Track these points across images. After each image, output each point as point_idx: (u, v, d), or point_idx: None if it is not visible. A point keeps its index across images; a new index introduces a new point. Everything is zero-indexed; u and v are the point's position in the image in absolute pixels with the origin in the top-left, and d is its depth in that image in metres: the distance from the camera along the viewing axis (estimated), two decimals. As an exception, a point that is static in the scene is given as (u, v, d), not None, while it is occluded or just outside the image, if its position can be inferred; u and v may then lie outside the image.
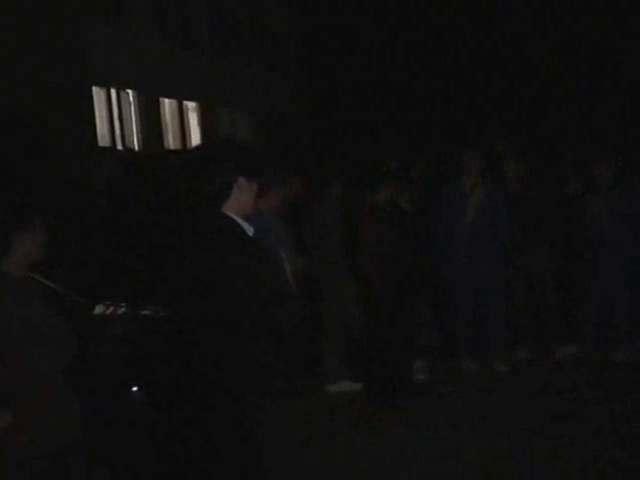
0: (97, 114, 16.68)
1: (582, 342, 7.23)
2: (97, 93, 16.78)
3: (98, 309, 4.78)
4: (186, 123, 20.67)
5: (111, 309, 4.82)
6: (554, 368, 7.04)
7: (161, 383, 3.26)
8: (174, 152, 18.40)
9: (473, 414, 6.04)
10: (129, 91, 17.97)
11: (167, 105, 19.79)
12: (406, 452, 5.41)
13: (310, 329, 6.39)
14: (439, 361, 7.30)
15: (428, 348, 7.35)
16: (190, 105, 20.83)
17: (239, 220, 3.20)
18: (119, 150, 16.95)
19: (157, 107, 19.17)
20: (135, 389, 3.05)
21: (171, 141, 19.89)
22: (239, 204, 3.22)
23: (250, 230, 3.22)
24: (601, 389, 6.38)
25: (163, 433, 3.02)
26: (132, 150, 16.50)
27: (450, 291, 7.24)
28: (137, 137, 18.21)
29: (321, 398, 6.56)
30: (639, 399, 6.06)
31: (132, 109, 18.15)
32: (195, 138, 20.80)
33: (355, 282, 6.64)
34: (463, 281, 7.08)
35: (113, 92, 17.33)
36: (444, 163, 8.42)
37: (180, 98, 20.08)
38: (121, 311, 4.90)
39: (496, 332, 7.17)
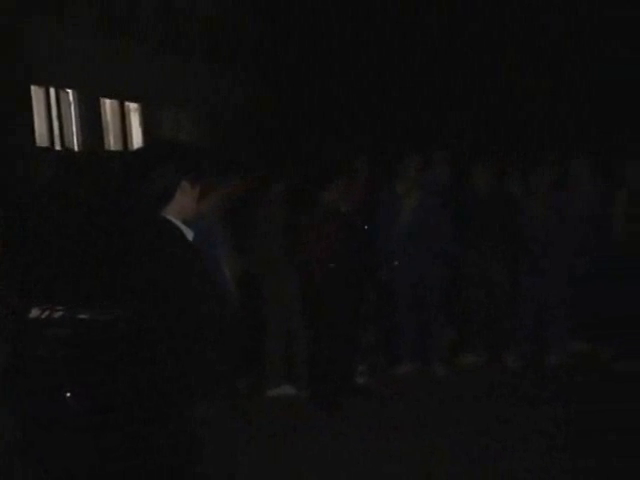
0: (35, 114, 16.38)
1: (520, 345, 7.32)
2: (35, 92, 16.48)
3: (34, 312, 4.68)
4: (128, 123, 20.43)
5: (48, 312, 4.73)
6: (496, 371, 7.13)
7: (98, 387, 3.21)
8: (115, 153, 18.19)
9: (415, 416, 6.08)
10: (69, 91, 17.70)
11: (108, 105, 19.54)
12: (347, 454, 5.43)
13: (250, 330, 6.37)
14: (380, 363, 7.35)
15: (369, 350, 7.39)
16: (132, 105, 20.61)
17: (179, 224, 3.17)
18: (58, 150, 16.67)
19: (98, 107, 18.92)
20: (69, 395, 3.00)
21: (112, 142, 19.64)
22: (181, 207, 3.19)
23: (190, 234, 3.19)
24: (542, 392, 6.48)
25: (98, 438, 2.99)
26: (71, 150, 16.26)
27: (390, 293, 7.29)
28: (77, 138, 17.94)
29: (261, 401, 6.54)
30: (578, 402, 6.18)
31: (72, 109, 17.88)
32: (137, 139, 20.58)
33: (297, 282, 6.63)
34: (401, 283, 7.14)
35: (52, 91, 17.05)
36: (384, 165, 8.47)
37: (122, 98, 19.85)
38: (58, 314, 4.81)
39: (436, 334, 7.24)
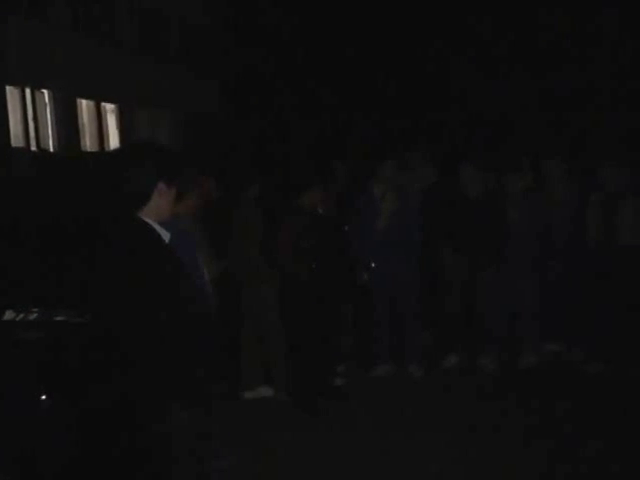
0: (11, 114, 16.24)
1: (493, 347, 7.33)
2: (11, 92, 16.34)
3: (8, 314, 4.65)
4: (104, 124, 20.32)
5: (22, 314, 4.70)
6: (470, 373, 7.15)
7: (73, 389, 3.19)
8: (91, 154, 18.09)
9: (389, 419, 6.10)
10: (44, 91, 17.57)
11: (84, 106, 19.42)
12: (325, 455, 5.44)
13: (227, 333, 6.35)
14: (357, 365, 7.36)
15: (346, 352, 7.40)
16: (108, 106, 20.49)
17: (156, 226, 3.17)
18: (33, 151, 16.55)
19: (74, 108, 18.79)
20: (44, 397, 2.98)
21: (88, 143, 19.52)
22: (157, 209, 3.19)
23: (166, 236, 3.19)
24: (515, 395, 6.51)
25: (73, 440, 2.97)
26: (46, 151, 16.15)
27: (367, 295, 7.30)
28: (53, 138, 17.80)
29: (239, 403, 6.52)
30: (551, 404, 6.22)
31: (48, 110, 17.74)
32: (113, 140, 20.47)
33: (274, 284, 6.62)
34: (378, 285, 7.15)
35: (28, 92, 16.91)
36: (361, 168, 8.48)
37: (98, 99, 19.73)
38: (33, 317, 4.78)
39: (413, 336, 7.26)
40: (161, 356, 3.01)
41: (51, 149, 17.43)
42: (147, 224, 3.14)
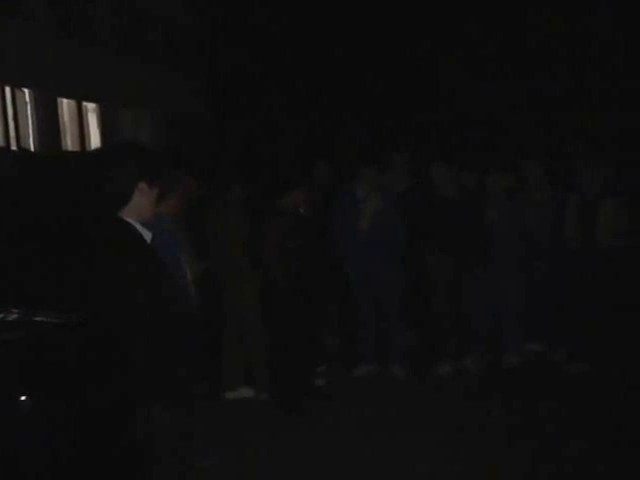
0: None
1: (478, 348, 7.36)
2: (-9, 91, 16.25)
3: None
4: (85, 124, 20.21)
5: (2, 315, 4.66)
6: (457, 374, 7.16)
7: (53, 390, 3.17)
8: (72, 154, 17.98)
9: (373, 419, 6.10)
10: (25, 90, 17.45)
11: (65, 105, 19.31)
12: (307, 456, 5.43)
13: (209, 333, 6.34)
14: (341, 365, 7.36)
15: (330, 352, 7.40)
16: (90, 106, 20.39)
17: (137, 226, 3.15)
18: (13, 150, 16.42)
19: (55, 107, 18.68)
20: (24, 398, 2.95)
21: (69, 142, 19.41)
22: (139, 209, 3.17)
23: (148, 236, 3.17)
24: (499, 395, 6.54)
25: (53, 440, 2.96)
26: (27, 150, 16.02)
27: (350, 295, 7.30)
28: (33, 138, 17.69)
29: (220, 404, 6.51)
30: (535, 404, 6.24)
31: (28, 109, 17.63)
32: (95, 139, 20.37)
33: (256, 284, 6.61)
34: (362, 285, 7.16)
35: (8, 90, 16.78)
36: (345, 169, 8.49)
37: (79, 98, 19.63)
38: (13, 317, 4.74)
39: (396, 337, 7.25)
40: (143, 356, 3.00)
41: (32, 149, 17.31)
42: (129, 224, 3.13)
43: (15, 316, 4.70)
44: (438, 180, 7.33)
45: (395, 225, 7.11)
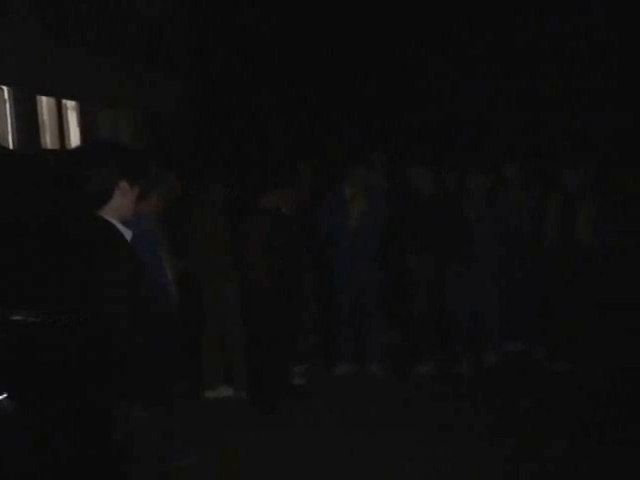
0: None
1: (460, 347, 7.36)
2: (-31, 89, 16.12)
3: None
4: (65, 122, 20.09)
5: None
6: (435, 372, 7.18)
7: (33, 389, 3.17)
8: (52, 152, 17.88)
9: (352, 418, 6.11)
10: (4, 87, 17.33)
11: (45, 103, 19.18)
12: (285, 455, 5.43)
13: (188, 333, 6.33)
14: (319, 364, 7.37)
15: (307, 352, 7.41)
16: (70, 104, 20.27)
17: (118, 225, 3.15)
18: (-8, 148, 16.29)
19: (34, 105, 18.55)
20: (3, 396, 2.95)
21: (49, 140, 19.29)
22: (119, 208, 3.17)
23: (128, 235, 3.17)
24: (479, 394, 6.57)
25: (33, 439, 2.95)
26: (6, 148, 15.91)
27: (333, 295, 7.28)
28: (12, 136, 17.57)
29: (200, 403, 6.51)
30: (515, 403, 6.28)
31: (7, 106, 17.51)
32: (75, 138, 20.25)
33: (236, 284, 6.61)
34: (344, 284, 7.17)
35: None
36: (329, 168, 8.50)
37: (59, 96, 19.50)
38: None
39: (375, 336, 7.27)
40: (120, 356, 2.99)
41: (11, 147, 17.19)
42: (108, 223, 3.12)
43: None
44: (416, 181, 7.31)
45: (378, 224, 7.13)
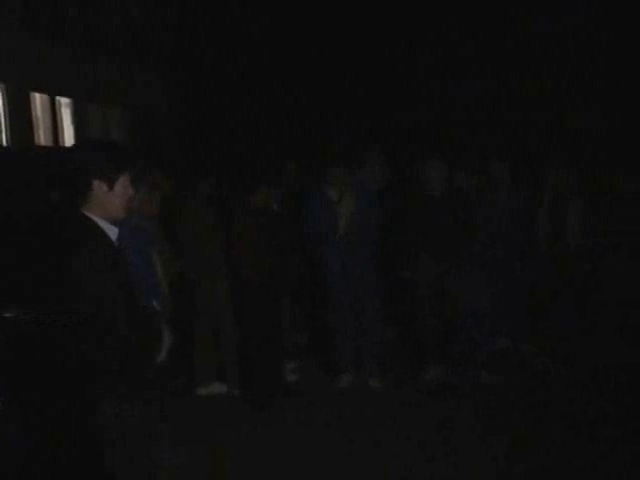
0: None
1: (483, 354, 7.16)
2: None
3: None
4: (59, 119, 20.06)
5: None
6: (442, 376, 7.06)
7: (21, 387, 3.17)
8: (45, 148, 17.84)
9: (346, 416, 6.10)
10: (-4, 84, 17.31)
11: (38, 100, 19.15)
12: (277, 452, 5.44)
13: (180, 330, 6.33)
14: (311, 363, 7.37)
15: (300, 349, 7.41)
16: (63, 101, 20.24)
17: (102, 222, 3.15)
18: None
19: (28, 101, 18.52)
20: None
21: (42, 137, 19.26)
22: (103, 204, 3.18)
23: (113, 232, 3.17)
24: (467, 391, 6.56)
25: (21, 437, 2.96)
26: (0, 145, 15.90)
27: (326, 295, 7.15)
28: (6, 132, 17.54)
29: (192, 400, 6.51)
30: (506, 400, 6.29)
31: (1, 103, 17.47)
32: (68, 134, 20.23)
33: (227, 281, 6.60)
34: (339, 288, 6.89)
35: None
36: (315, 168, 8.42)
37: (52, 93, 19.47)
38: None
39: (374, 342, 6.97)
40: (107, 355, 3.00)
41: (4, 143, 17.16)
42: (89, 219, 3.13)
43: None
44: (429, 178, 6.95)
45: (371, 225, 6.85)
